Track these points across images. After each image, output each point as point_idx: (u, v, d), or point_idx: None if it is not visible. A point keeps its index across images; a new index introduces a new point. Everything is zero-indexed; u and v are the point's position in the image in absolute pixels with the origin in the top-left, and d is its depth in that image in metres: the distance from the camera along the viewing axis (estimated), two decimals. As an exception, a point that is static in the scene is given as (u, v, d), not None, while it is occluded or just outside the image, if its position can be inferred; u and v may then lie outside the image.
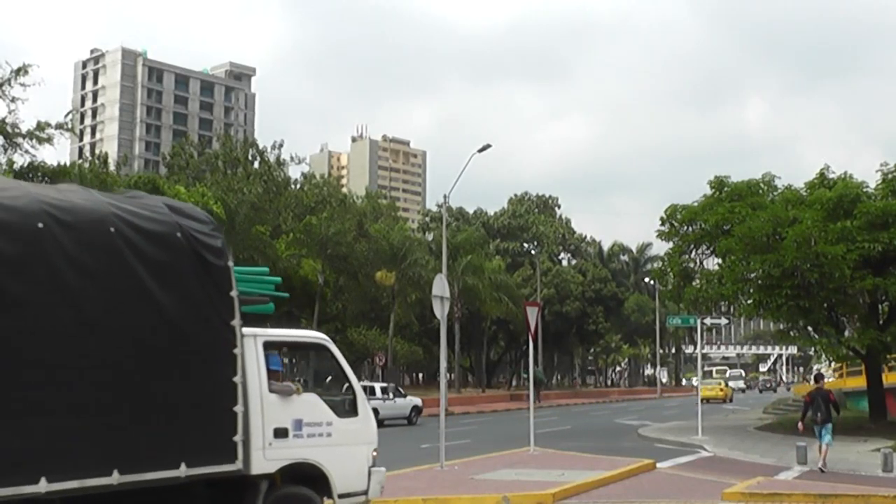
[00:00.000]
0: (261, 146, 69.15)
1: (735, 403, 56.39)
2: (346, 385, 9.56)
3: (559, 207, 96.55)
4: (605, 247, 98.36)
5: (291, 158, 70.78)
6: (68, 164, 49.26)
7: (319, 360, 9.85)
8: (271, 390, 8.57)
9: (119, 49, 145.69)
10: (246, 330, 8.43)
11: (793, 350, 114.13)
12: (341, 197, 70.40)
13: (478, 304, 62.61)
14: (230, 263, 8.01)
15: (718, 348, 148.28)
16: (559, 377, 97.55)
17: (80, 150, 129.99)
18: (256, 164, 66.68)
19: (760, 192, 29.36)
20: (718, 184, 29.68)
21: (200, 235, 7.74)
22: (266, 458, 8.30)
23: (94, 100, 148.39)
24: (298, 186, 67.95)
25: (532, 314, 20.07)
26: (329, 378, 9.84)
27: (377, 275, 52.72)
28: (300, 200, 63.74)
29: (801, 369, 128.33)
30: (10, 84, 39.19)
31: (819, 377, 19.83)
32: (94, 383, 6.82)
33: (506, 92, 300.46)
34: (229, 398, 7.74)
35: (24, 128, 39.98)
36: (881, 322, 27.77)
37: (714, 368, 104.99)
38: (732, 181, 29.70)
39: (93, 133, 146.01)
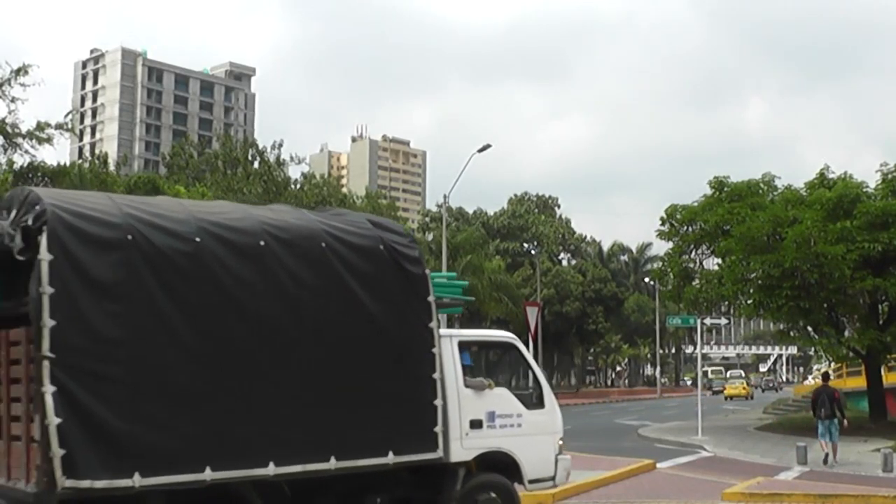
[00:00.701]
0: (261, 146, 69.19)
1: (735, 403, 56.47)
2: (533, 379, 10.31)
3: (559, 207, 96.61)
4: (605, 247, 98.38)
5: (291, 158, 70.89)
6: (68, 164, 49.24)
7: (508, 357, 10.48)
8: (466, 385, 9.32)
9: (119, 49, 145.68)
10: (442, 331, 9.21)
11: (793, 350, 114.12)
12: (341, 197, 70.50)
13: (478, 304, 62.61)
14: (427, 271, 8.84)
15: (718, 348, 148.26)
16: (559, 377, 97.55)
17: (80, 150, 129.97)
18: (256, 164, 66.71)
19: (760, 192, 29.34)
20: (718, 184, 29.66)
21: (400, 247, 8.65)
22: (463, 447, 9.06)
23: (94, 100, 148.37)
24: (298, 186, 67.96)
25: (532, 314, 20.12)
26: (517, 373, 10.54)
27: (377, 275, 52.65)
28: (300, 200, 63.73)
29: (801, 369, 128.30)
30: (10, 84, 39.18)
31: (826, 376, 21.60)
32: (314, 381, 7.78)
33: (506, 92, 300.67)
34: (430, 393, 8.58)
35: (24, 128, 39.98)
36: (881, 322, 27.76)
37: (710, 369, 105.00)
38: (732, 181, 29.68)
39: (93, 133, 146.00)
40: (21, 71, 39.27)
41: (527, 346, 11.61)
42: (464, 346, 9.58)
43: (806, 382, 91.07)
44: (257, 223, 7.80)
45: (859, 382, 33.65)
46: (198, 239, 7.35)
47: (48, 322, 6.51)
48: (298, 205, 62.56)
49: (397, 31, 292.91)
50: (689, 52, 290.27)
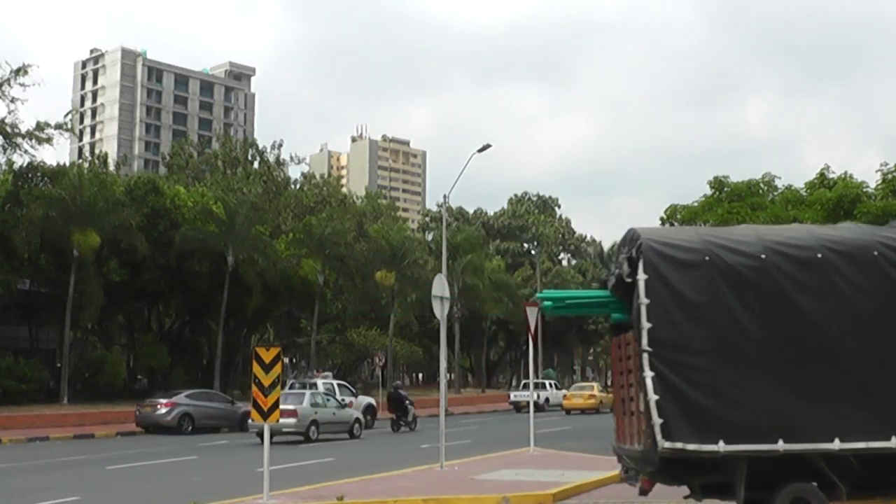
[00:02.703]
0: (260, 146, 69.24)
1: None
2: None
3: (559, 207, 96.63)
4: (605, 247, 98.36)
5: (291, 158, 71.04)
6: (68, 164, 49.22)
7: None
8: None
9: (119, 49, 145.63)
10: None
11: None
12: (341, 197, 70.50)
13: (478, 304, 62.62)
14: None
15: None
16: (559, 377, 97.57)
17: (80, 149, 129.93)
18: (256, 164, 66.72)
19: (760, 192, 29.38)
20: (718, 184, 29.68)
21: None
22: None
23: (94, 100, 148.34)
24: (298, 186, 67.98)
25: (532, 314, 20.04)
26: None
27: (377, 275, 52.69)
28: (300, 200, 63.76)
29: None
30: (9, 84, 39.23)
31: None
32: (871, 369, 8.89)
33: (506, 92, 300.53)
34: None
35: (23, 128, 40.03)
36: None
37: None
38: (732, 181, 29.72)
39: (92, 133, 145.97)
40: (21, 71, 39.34)
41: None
42: None
43: None
44: (815, 239, 9.42)
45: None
46: (763, 256, 9.12)
47: (646, 325, 8.71)
48: (298, 205, 62.88)
49: (397, 30, 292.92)
50: (689, 51, 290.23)
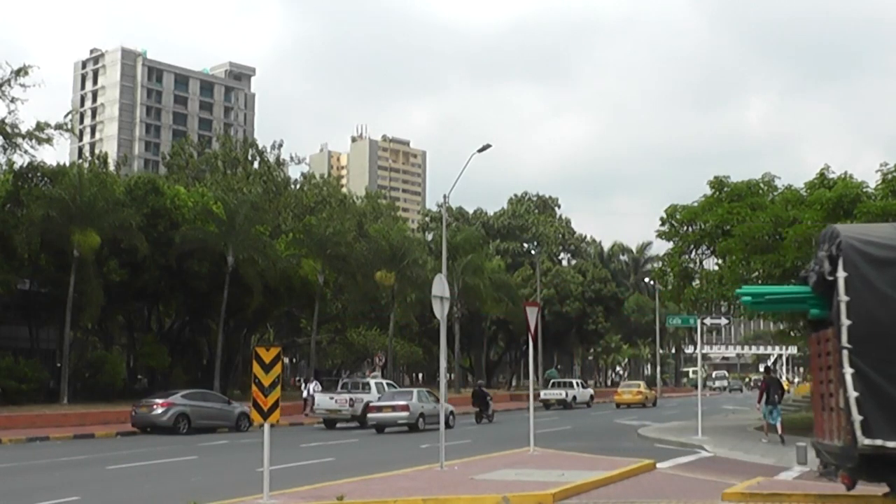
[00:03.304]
0: (260, 146, 69.21)
1: (735, 403, 56.51)
2: None
3: (559, 207, 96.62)
4: (605, 247, 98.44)
5: (291, 158, 71.03)
6: (68, 164, 49.24)
7: None
8: None
9: (119, 49, 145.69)
10: None
11: (793, 350, 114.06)
12: (341, 197, 70.50)
13: (478, 304, 62.62)
14: None
15: (718, 348, 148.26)
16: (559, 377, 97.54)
17: (80, 150, 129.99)
18: (256, 164, 66.71)
19: (760, 192, 29.30)
20: (718, 184, 29.63)
21: None
22: None
23: (94, 100, 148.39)
24: (298, 186, 67.97)
25: (532, 314, 20.04)
26: None
27: (377, 275, 52.69)
28: (300, 200, 63.76)
29: (802, 369, 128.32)
30: (9, 84, 39.23)
31: (768, 369, 28.21)
32: None
33: (506, 92, 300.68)
34: None
35: (23, 128, 40.01)
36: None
37: (690, 370, 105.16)
38: (732, 181, 29.65)
39: (92, 133, 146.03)
40: (21, 71, 39.34)
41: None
42: None
43: (800, 383, 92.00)
44: None
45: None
46: None
47: (845, 322, 8.68)
48: (298, 205, 62.84)
49: (397, 30, 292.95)
50: (689, 52, 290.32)
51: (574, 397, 52.03)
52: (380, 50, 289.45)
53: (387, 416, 29.98)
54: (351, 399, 32.70)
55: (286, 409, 37.05)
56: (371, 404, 31.13)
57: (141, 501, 14.26)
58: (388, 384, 36.06)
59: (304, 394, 42.39)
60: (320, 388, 39.97)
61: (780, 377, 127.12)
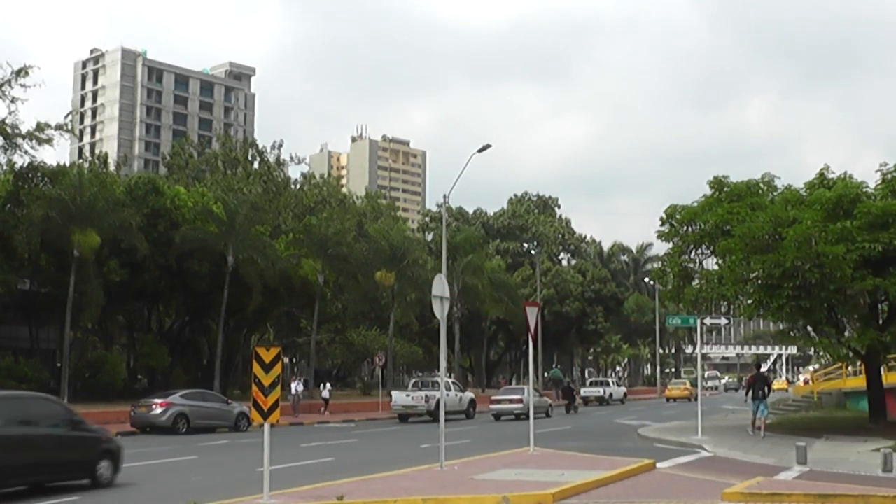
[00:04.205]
0: (260, 146, 69.22)
1: (735, 403, 56.48)
2: None
3: (559, 207, 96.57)
4: (605, 247, 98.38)
5: (291, 158, 71.06)
6: (68, 164, 49.24)
7: None
8: None
9: (119, 49, 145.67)
10: None
11: (793, 350, 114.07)
12: (341, 197, 70.54)
13: (478, 304, 62.60)
14: None
15: (718, 348, 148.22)
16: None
17: (80, 150, 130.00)
18: (256, 164, 66.72)
19: (760, 192, 29.29)
20: (718, 184, 29.62)
21: None
22: None
23: (94, 100, 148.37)
24: (298, 186, 67.98)
25: (532, 314, 20.03)
26: None
27: (377, 275, 52.69)
28: (300, 200, 63.79)
29: (802, 369, 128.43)
30: (10, 85, 39.25)
31: (758, 366, 29.28)
32: None
33: (506, 92, 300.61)
34: None
35: (24, 128, 40.03)
36: (881, 322, 27.73)
37: (682, 370, 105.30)
38: (732, 181, 29.64)
39: (93, 133, 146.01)
40: (21, 71, 39.35)
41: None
42: None
43: (798, 383, 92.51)
44: None
45: (859, 382, 33.64)
46: None
47: None
48: (298, 205, 62.92)
49: (398, 30, 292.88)
50: (689, 52, 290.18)
51: (611, 394, 58.55)
52: (380, 50, 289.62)
53: (504, 407, 39.21)
54: (426, 396, 37.63)
55: (286, 408, 37.15)
56: (492, 397, 41.57)
57: (140, 501, 14.25)
58: (453, 383, 41.80)
59: (325, 394, 44.60)
60: (303, 388, 43.97)
61: (781, 377, 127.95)
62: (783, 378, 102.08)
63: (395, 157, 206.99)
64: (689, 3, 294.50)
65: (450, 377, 66.84)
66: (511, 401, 39.06)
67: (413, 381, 44.53)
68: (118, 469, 15.69)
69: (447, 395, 34.07)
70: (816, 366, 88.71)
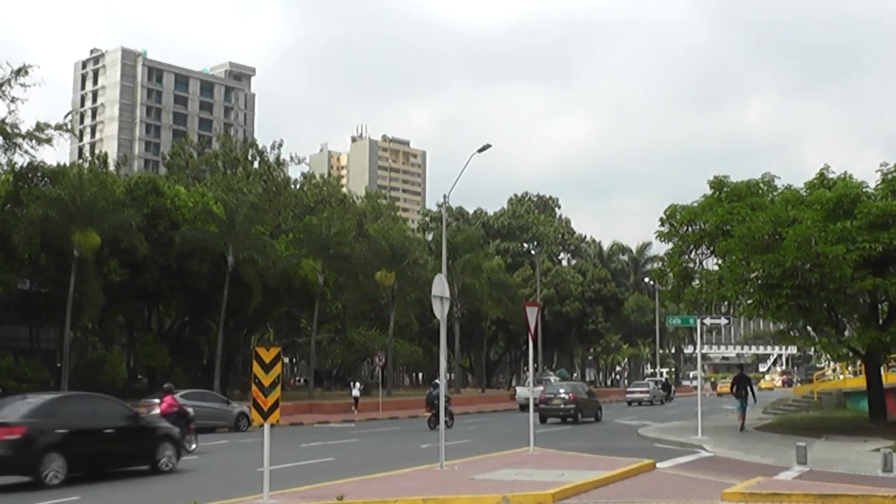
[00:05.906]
0: (260, 146, 69.19)
1: (733, 403, 56.36)
2: None
3: (559, 207, 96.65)
4: (605, 247, 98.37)
5: (291, 158, 70.99)
6: (68, 164, 49.22)
7: None
8: None
9: (119, 49, 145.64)
10: None
11: (793, 350, 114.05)
12: (341, 197, 70.51)
13: (477, 304, 62.61)
14: None
15: (718, 348, 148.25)
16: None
17: (80, 150, 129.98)
18: (256, 164, 66.69)
19: (760, 192, 29.28)
20: (718, 184, 29.61)
21: None
22: None
23: (94, 100, 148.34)
24: (298, 186, 67.96)
25: (532, 314, 20.02)
26: None
27: (377, 275, 52.71)
28: (300, 200, 63.77)
29: (799, 368, 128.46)
30: (10, 84, 39.22)
31: (741, 367, 35.30)
32: None
33: (506, 92, 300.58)
34: None
35: (23, 128, 40.01)
36: (881, 322, 27.74)
37: (668, 369, 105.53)
38: (732, 181, 29.64)
39: (92, 133, 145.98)
40: (21, 71, 39.32)
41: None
42: None
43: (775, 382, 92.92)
44: None
45: (859, 382, 33.63)
46: None
47: None
48: (298, 205, 62.92)
49: (398, 30, 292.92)
50: (689, 52, 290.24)
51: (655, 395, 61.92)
52: (380, 50, 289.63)
53: (636, 397, 50.97)
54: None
55: (286, 409, 37.11)
56: (627, 389, 48.79)
57: (141, 501, 14.26)
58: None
59: (355, 392, 45.41)
60: (361, 386, 47.37)
61: (767, 377, 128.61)
62: (769, 378, 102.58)
63: (395, 157, 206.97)
64: (689, 3, 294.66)
65: (450, 377, 66.86)
66: (641, 392, 56.12)
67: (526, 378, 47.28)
68: (180, 455, 17.96)
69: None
70: (782, 367, 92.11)
